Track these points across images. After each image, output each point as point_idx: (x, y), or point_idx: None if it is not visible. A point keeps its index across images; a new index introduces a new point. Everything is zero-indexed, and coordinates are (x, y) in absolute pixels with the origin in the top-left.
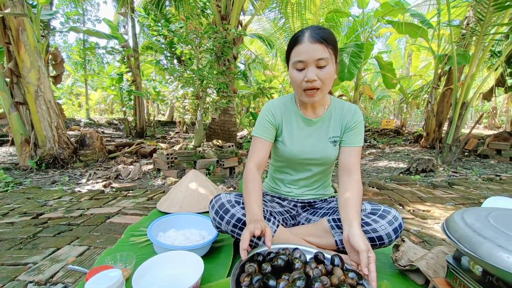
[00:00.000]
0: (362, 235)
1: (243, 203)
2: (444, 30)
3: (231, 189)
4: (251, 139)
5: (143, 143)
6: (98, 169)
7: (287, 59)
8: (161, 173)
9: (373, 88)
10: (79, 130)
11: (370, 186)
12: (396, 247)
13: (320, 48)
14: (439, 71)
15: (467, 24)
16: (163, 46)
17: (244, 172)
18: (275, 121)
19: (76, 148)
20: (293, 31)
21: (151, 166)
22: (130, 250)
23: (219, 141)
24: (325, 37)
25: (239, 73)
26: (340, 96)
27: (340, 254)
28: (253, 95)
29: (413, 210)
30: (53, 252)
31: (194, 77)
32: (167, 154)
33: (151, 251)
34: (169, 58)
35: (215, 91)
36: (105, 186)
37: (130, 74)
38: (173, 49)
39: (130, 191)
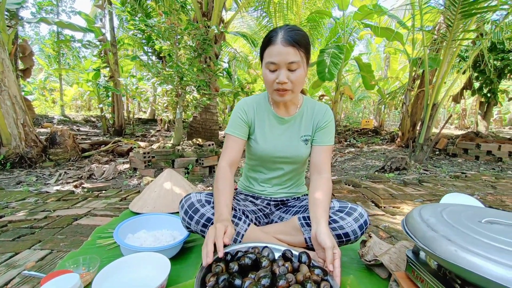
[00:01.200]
0: (328, 233)
1: (213, 203)
2: (418, 34)
3: (210, 188)
4: None
5: (120, 141)
6: (69, 169)
7: (261, 57)
8: (137, 172)
9: (354, 89)
10: (52, 128)
11: (346, 184)
12: (363, 242)
13: (292, 51)
14: (413, 73)
15: (438, 29)
16: (143, 41)
17: (216, 171)
18: (248, 118)
19: (46, 147)
20: None
21: (127, 166)
22: (96, 253)
23: (199, 139)
24: (297, 40)
25: (221, 71)
26: (322, 96)
27: (308, 251)
28: (234, 94)
29: (384, 207)
30: (11, 257)
31: (173, 74)
32: (144, 153)
33: (119, 254)
34: (149, 53)
35: (195, 89)
36: (76, 186)
37: (108, 69)
38: (151, 45)
39: (103, 191)
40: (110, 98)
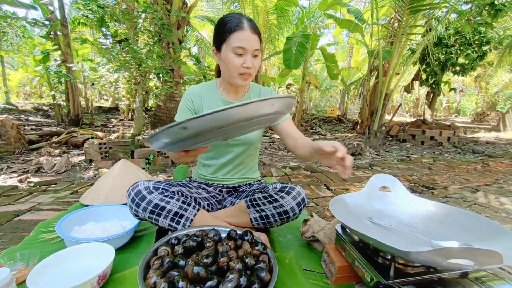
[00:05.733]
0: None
1: (163, 189)
2: (378, 27)
3: (171, 178)
4: None
5: (74, 131)
6: (13, 163)
7: (220, 39)
8: (93, 164)
9: (322, 78)
10: None
11: (304, 170)
12: (305, 221)
13: (257, 39)
14: (371, 65)
15: (392, 23)
16: (96, 23)
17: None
18: (194, 107)
19: None
20: None
21: (82, 157)
22: (38, 248)
23: None
24: (259, 30)
25: (190, 57)
26: (289, 85)
27: (251, 230)
28: (197, 81)
29: (334, 189)
30: None
31: (130, 60)
32: (100, 144)
33: (63, 247)
34: (108, 36)
35: (155, 76)
36: (20, 181)
37: (59, 52)
38: (106, 27)
39: (52, 185)
40: (63, 85)
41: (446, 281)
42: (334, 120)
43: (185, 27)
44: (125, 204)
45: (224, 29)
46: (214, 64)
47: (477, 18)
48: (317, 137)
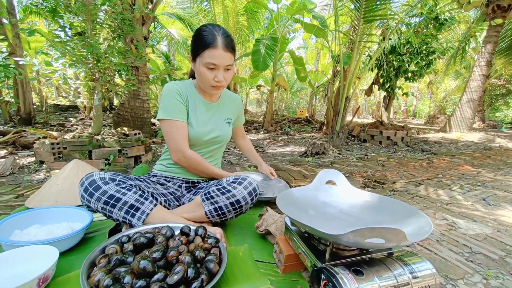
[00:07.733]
0: (266, 165)
1: (119, 181)
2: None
3: None
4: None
5: (24, 131)
6: None
7: (197, 53)
8: (44, 166)
9: (293, 81)
10: None
11: None
12: (260, 216)
13: (230, 56)
14: (334, 69)
15: (353, 31)
16: (48, 13)
17: (188, 159)
18: (184, 101)
19: None
20: (214, 15)
21: (33, 159)
22: None
23: (125, 128)
24: (233, 46)
25: (157, 55)
26: (259, 86)
27: (205, 225)
28: (161, 80)
29: (294, 186)
30: None
31: (88, 55)
32: (52, 144)
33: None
34: (65, 28)
35: (116, 73)
36: None
37: (6, 43)
38: (59, 17)
39: None
40: (11, 80)
41: (374, 261)
42: (303, 121)
43: (152, 23)
44: (78, 206)
45: (199, 43)
46: (184, 62)
47: (424, 30)
48: (286, 137)
